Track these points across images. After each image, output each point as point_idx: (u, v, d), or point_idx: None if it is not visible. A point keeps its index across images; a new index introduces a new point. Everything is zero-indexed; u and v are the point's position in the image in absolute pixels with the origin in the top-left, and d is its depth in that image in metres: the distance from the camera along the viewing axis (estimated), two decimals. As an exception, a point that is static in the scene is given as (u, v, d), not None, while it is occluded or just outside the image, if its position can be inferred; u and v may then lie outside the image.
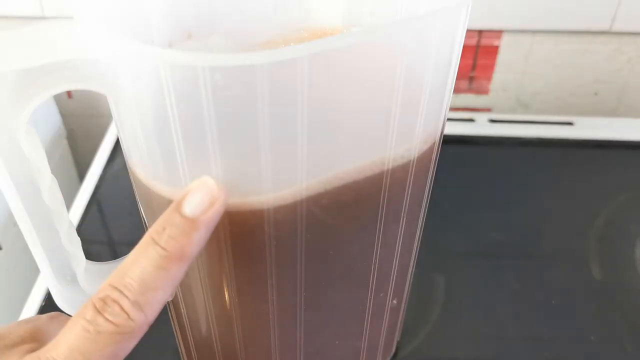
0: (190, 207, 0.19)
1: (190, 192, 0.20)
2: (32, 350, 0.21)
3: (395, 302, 0.30)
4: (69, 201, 0.46)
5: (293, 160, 0.20)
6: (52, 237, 0.24)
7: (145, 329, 0.20)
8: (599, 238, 0.45)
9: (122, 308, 0.19)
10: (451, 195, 0.49)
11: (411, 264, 0.30)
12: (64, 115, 0.63)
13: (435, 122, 0.24)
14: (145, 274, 0.19)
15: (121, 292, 0.19)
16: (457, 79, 0.45)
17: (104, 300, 0.19)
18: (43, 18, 0.57)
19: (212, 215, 0.19)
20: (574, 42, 0.58)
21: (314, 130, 0.19)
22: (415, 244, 0.29)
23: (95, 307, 0.19)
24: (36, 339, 0.23)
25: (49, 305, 0.40)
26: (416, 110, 0.22)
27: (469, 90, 0.62)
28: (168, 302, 0.29)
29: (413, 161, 0.23)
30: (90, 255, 0.26)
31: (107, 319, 0.19)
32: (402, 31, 0.19)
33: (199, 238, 0.19)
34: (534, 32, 0.57)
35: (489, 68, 0.60)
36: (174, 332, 0.32)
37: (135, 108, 0.20)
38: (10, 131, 0.20)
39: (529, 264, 0.43)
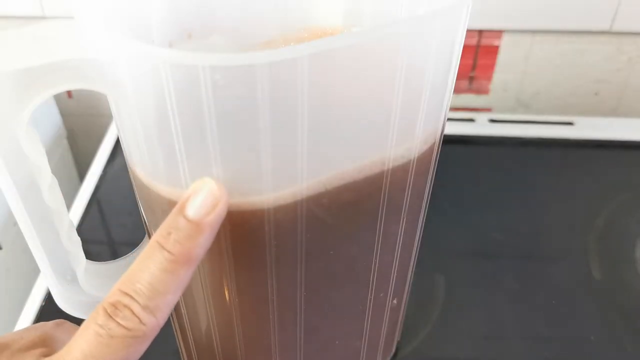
0: (194, 209, 0.19)
1: (192, 194, 0.20)
2: (44, 355, 0.21)
3: (395, 302, 0.30)
4: (69, 201, 0.46)
5: (293, 160, 0.20)
6: (52, 237, 0.24)
7: (156, 332, 0.20)
8: (599, 238, 0.45)
9: (133, 313, 0.19)
10: (451, 195, 0.49)
11: (411, 264, 0.30)
12: (64, 115, 0.63)
13: (435, 122, 0.24)
14: (154, 279, 0.19)
15: (132, 297, 0.19)
16: (457, 79, 0.45)
17: (115, 305, 0.19)
18: (43, 18, 0.57)
19: (216, 217, 0.19)
20: (574, 42, 0.58)
21: (314, 130, 0.19)
22: (416, 244, 0.29)
23: (107, 312, 0.19)
24: (46, 344, 0.23)
25: (49, 305, 0.40)
26: (416, 111, 0.22)
27: (469, 90, 0.62)
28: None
29: (413, 161, 0.23)
30: (90, 255, 0.26)
31: (119, 324, 0.19)
32: (402, 31, 0.19)
33: (204, 240, 0.19)
34: (534, 32, 0.57)
35: (489, 68, 0.60)
36: (174, 333, 0.32)
37: (135, 108, 0.20)
38: (10, 131, 0.20)
39: (529, 264, 0.43)
